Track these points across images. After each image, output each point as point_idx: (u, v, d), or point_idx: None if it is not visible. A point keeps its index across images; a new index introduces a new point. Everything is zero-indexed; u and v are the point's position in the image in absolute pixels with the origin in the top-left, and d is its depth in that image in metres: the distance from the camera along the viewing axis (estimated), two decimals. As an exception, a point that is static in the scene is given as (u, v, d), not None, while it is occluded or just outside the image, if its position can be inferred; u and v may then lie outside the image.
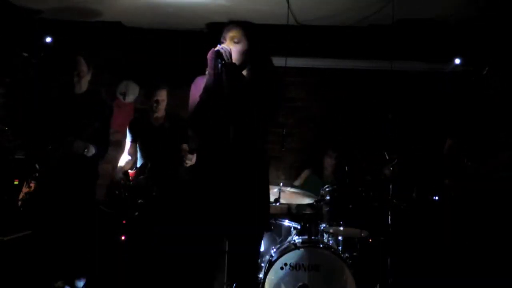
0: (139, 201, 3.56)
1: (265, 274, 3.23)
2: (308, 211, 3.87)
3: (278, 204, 3.65)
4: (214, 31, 2.85)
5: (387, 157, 3.74)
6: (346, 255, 3.44)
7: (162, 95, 3.80)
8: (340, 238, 3.61)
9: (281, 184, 3.78)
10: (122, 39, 5.07)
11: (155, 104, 3.79)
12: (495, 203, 3.03)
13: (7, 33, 4.53)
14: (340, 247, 3.56)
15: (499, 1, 4.04)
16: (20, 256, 3.22)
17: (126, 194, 3.58)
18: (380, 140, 4.31)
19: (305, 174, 4.80)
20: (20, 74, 4.78)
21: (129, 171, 3.68)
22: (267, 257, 3.44)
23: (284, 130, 4.15)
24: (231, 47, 2.39)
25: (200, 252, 2.45)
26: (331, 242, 3.58)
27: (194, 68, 2.71)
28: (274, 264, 3.25)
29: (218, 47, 2.33)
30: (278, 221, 3.70)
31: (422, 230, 4.03)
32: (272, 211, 3.09)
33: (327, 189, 3.84)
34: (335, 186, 3.85)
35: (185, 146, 3.81)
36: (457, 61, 4.78)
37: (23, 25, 4.69)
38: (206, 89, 2.33)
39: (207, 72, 2.36)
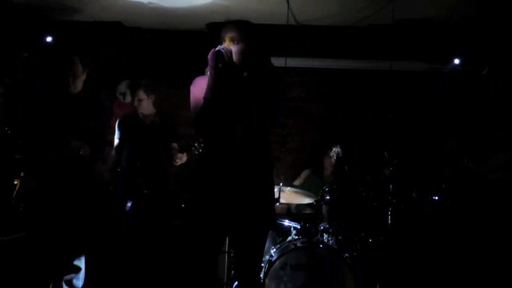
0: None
1: (265, 274, 3.22)
2: (308, 211, 3.87)
3: (278, 204, 3.65)
4: (214, 31, 2.84)
5: (387, 157, 3.74)
6: (346, 255, 3.43)
7: (140, 95, 3.86)
8: (340, 238, 3.61)
9: (281, 184, 3.78)
10: (122, 39, 5.07)
11: (137, 103, 3.89)
12: (495, 203, 3.03)
13: (7, 33, 4.53)
14: (340, 247, 3.56)
15: (499, 1, 4.04)
16: (20, 256, 3.22)
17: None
18: (380, 140, 4.31)
19: (305, 174, 4.79)
20: (20, 74, 4.78)
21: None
22: (267, 257, 3.43)
23: (284, 130, 4.15)
24: (230, 47, 2.38)
25: (200, 252, 2.44)
26: (331, 242, 3.58)
27: (194, 68, 2.71)
28: (274, 264, 3.24)
29: (219, 47, 2.32)
30: (278, 221, 3.68)
31: (422, 230, 4.03)
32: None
33: (327, 189, 3.84)
34: (335, 186, 3.85)
35: (175, 145, 3.81)
36: (457, 61, 4.79)
37: (23, 25, 4.69)
38: (210, 89, 2.33)
39: (207, 72, 2.36)
